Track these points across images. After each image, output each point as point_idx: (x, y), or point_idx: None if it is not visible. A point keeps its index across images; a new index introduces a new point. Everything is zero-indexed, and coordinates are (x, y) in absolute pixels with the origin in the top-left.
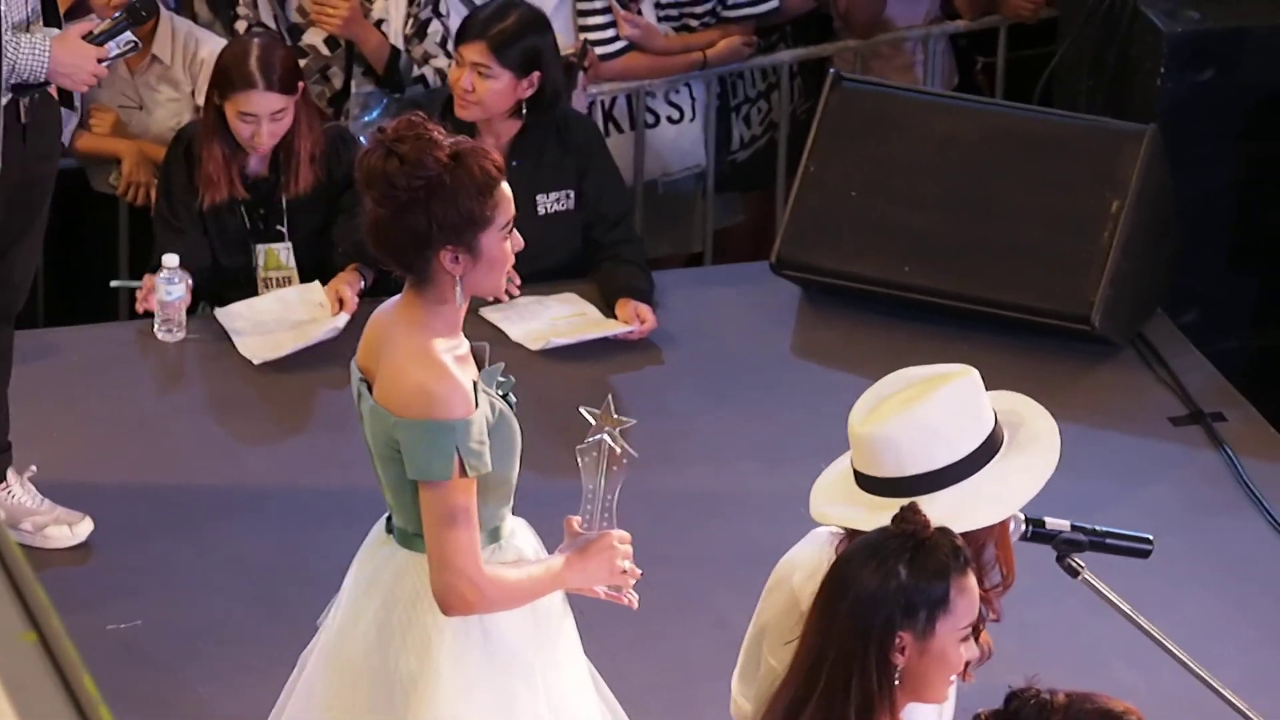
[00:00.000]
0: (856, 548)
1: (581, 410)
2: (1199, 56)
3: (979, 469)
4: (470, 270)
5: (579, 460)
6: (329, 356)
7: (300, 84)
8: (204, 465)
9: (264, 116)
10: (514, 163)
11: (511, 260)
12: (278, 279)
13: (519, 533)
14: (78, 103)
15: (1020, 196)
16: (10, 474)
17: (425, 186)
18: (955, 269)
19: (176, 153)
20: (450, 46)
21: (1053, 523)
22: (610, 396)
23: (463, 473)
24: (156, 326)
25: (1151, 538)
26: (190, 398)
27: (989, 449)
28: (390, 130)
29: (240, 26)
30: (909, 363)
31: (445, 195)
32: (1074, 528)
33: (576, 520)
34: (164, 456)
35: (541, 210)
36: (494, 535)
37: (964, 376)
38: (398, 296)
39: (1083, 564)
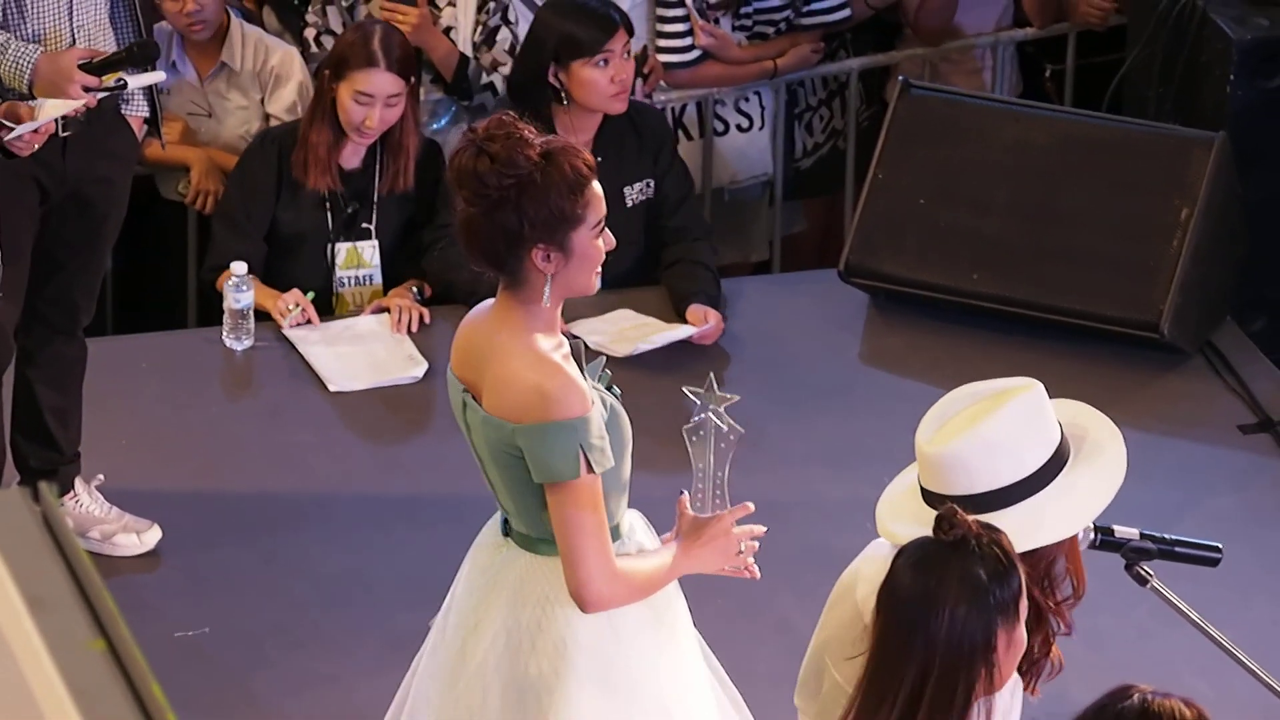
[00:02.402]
0: (910, 566)
1: (685, 390)
2: (1269, 63)
3: (1047, 484)
4: (562, 269)
5: (686, 440)
6: None
7: (413, 77)
8: (271, 472)
9: (380, 98)
10: (599, 158)
11: (602, 258)
12: (357, 277)
13: (637, 527)
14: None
15: (1089, 204)
16: (78, 482)
17: (516, 185)
18: (1023, 276)
19: (266, 152)
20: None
21: (1121, 531)
22: (712, 375)
23: (589, 469)
24: (225, 334)
25: (1221, 546)
26: (257, 405)
27: (1056, 463)
28: (481, 129)
29: (309, 34)
30: (977, 370)
31: (536, 194)
32: (1143, 536)
33: (686, 499)
34: (231, 464)
35: (629, 202)
36: (615, 533)
37: (1028, 390)
38: (486, 303)
39: (1151, 572)
